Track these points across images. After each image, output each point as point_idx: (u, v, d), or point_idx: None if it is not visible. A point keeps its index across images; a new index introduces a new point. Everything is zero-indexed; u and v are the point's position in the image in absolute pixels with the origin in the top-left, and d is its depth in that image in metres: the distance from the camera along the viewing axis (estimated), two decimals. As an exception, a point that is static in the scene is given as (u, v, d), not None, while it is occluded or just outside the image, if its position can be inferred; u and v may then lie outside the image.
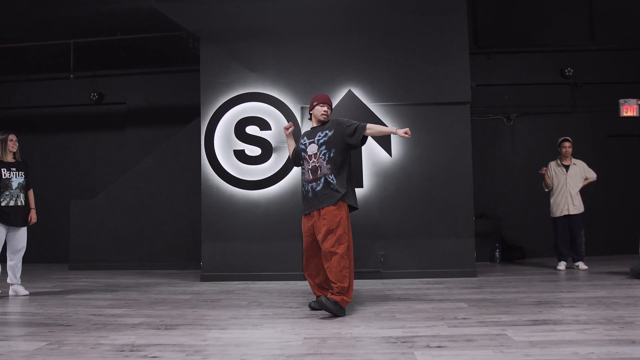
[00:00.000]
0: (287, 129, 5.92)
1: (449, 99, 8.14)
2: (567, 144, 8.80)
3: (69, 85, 11.19)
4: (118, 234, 10.09)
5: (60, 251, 11.00)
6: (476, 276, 7.97)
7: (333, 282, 5.26)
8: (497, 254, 10.11)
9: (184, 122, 10.26)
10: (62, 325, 5.07)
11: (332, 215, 5.35)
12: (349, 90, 8.19)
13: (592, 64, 10.97)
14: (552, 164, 8.94)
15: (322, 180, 5.44)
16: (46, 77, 11.80)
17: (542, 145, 10.63)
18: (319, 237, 5.36)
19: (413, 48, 8.26)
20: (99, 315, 5.56)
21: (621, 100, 10.13)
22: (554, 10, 11.08)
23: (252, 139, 8.25)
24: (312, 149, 5.54)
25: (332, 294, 5.25)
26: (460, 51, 8.23)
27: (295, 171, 8.14)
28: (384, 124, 8.07)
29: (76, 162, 11.93)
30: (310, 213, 5.51)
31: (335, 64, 8.30)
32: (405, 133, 5.31)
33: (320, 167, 5.46)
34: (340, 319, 5.15)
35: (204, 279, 8.18)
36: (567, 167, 8.79)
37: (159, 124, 11.47)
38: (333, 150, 5.45)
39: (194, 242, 9.24)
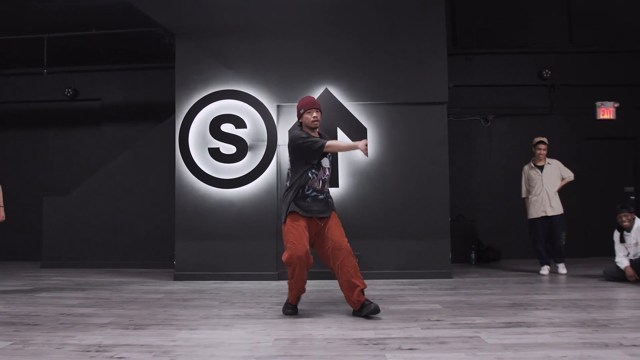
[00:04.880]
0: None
1: (426, 99, 8.12)
2: (542, 147, 8.62)
3: (42, 80, 11.03)
4: (91, 231, 9.94)
5: (32, 249, 10.85)
6: (451, 277, 7.96)
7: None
8: (472, 255, 10.11)
9: (160, 119, 10.13)
10: (28, 324, 4.97)
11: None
12: (326, 88, 8.13)
13: (570, 66, 11.02)
14: (526, 168, 8.81)
15: (326, 195, 5.41)
16: (19, 72, 11.62)
17: (520, 146, 10.65)
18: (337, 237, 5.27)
19: (391, 47, 8.23)
20: (68, 314, 5.46)
21: (598, 103, 10.24)
22: (532, 12, 11.11)
23: (227, 137, 8.16)
24: (326, 162, 5.42)
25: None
26: (438, 51, 8.21)
27: (271, 170, 8.09)
28: (360, 124, 8.05)
29: (50, 158, 11.75)
30: (311, 217, 5.31)
31: (312, 62, 8.25)
32: (364, 147, 5.15)
33: (327, 183, 5.44)
34: (312, 319, 5.12)
35: (177, 278, 8.09)
36: (541, 168, 8.65)
37: (135, 121, 11.34)
38: (329, 174, 5.50)
39: (167, 240, 9.11)
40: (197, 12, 8.39)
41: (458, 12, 11.15)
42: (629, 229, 7.41)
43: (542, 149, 8.61)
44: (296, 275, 5.19)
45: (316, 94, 8.11)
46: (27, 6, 9.34)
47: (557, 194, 8.57)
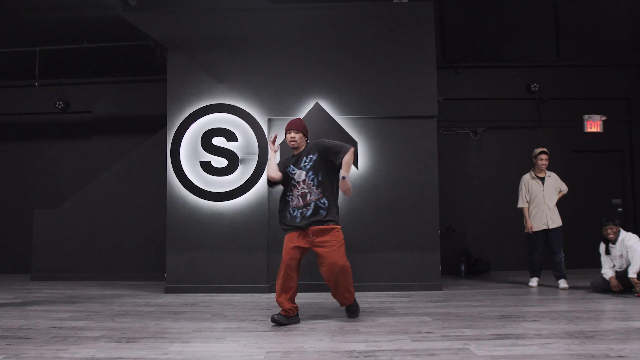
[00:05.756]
0: (273, 142, 5.85)
1: (416, 113, 8.18)
2: (544, 157, 8.53)
3: (33, 93, 11.00)
4: (82, 244, 9.89)
5: (22, 261, 10.79)
6: (441, 289, 7.99)
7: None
8: (462, 267, 10.15)
9: (151, 131, 10.14)
10: (20, 337, 4.96)
11: (335, 236, 5.55)
12: (317, 102, 8.19)
13: (558, 79, 11.15)
14: (527, 177, 8.68)
15: (313, 205, 5.51)
16: (10, 84, 11.60)
17: (509, 159, 10.76)
18: (328, 253, 5.49)
19: (381, 61, 8.30)
20: (60, 327, 5.45)
21: (585, 116, 10.34)
22: (520, 26, 11.27)
23: (219, 151, 8.21)
24: (300, 175, 5.58)
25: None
26: (427, 65, 8.28)
27: (262, 183, 8.10)
28: (351, 138, 8.10)
29: (41, 171, 11.72)
30: (297, 231, 5.57)
31: (303, 76, 8.31)
32: (345, 191, 5.47)
33: (310, 193, 5.54)
34: (303, 332, 5.13)
35: (168, 290, 8.09)
36: (542, 180, 8.57)
37: (126, 134, 11.32)
38: (320, 174, 5.55)
39: (158, 253, 9.11)
40: (189, 26, 8.44)
41: (447, 26, 11.27)
42: (614, 242, 7.49)
43: (544, 159, 8.53)
44: (280, 281, 5.60)
45: (307, 107, 8.17)
46: (19, 19, 9.35)
47: (555, 206, 8.51)
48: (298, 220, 5.53)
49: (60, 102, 11.43)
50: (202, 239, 8.16)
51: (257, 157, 8.16)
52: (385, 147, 8.19)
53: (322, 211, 5.51)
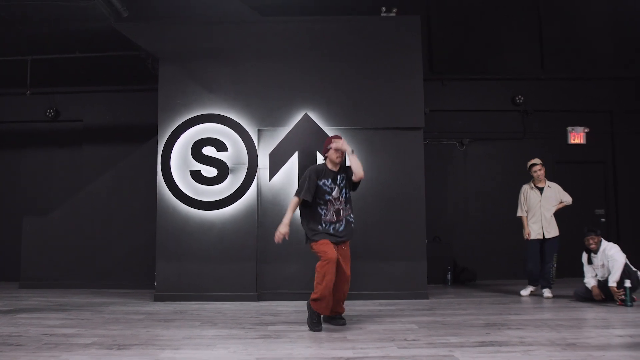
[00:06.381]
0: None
1: (403, 124, 8.30)
2: (537, 167, 8.64)
3: (24, 101, 10.99)
4: (71, 252, 9.87)
5: (10, 269, 10.72)
6: (428, 298, 8.08)
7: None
8: (448, 276, 10.25)
9: (142, 140, 10.14)
10: (12, 345, 5.00)
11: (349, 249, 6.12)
12: (306, 113, 8.29)
13: (542, 92, 11.27)
14: (526, 187, 8.78)
15: (344, 221, 6.01)
16: (1, 92, 11.55)
17: (494, 170, 10.89)
18: (346, 265, 5.98)
19: (369, 73, 8.41)
20: (51, 335, 5.49)
21: (569, 128, 10.49)
22: (506, 40, 11.42)
23: (209, 160, 8.29)
24: (337, 192, 5.96)
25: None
26: (415, 77, 8.40)
27: (251, 192, 8.22)
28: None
29: (31, 179, 11.67)
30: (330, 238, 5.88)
31: (292, 87, 8.40)
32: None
33: (343, 210, 6.00)
34: (292, 339, 5.21)
35: (158, 298, 8.13)
36: (541, 190, 8.66)
37: (117, 143, 11.31)
38: (348, 191, 6.10)
39: (148, 261, 9.11)
40: (181, 37, 8.52)
41: (434, 39, 11.39)
42: (595, 251, 7.64)
43: (537, 170, 8.62)
44: (326, 280, 5.63)
45: (296, 118, 8.27)
46: (11, 29, 9.39)
47: (553, 217, 8.60)
48: (332, 232, 5.89)
49: (51, 111, 11.42)
50: (191, 247, 8.22)
51: (246, 166, 8.25)
52: (373, 157, 8.29)
53: (350, 227, 6.07)
